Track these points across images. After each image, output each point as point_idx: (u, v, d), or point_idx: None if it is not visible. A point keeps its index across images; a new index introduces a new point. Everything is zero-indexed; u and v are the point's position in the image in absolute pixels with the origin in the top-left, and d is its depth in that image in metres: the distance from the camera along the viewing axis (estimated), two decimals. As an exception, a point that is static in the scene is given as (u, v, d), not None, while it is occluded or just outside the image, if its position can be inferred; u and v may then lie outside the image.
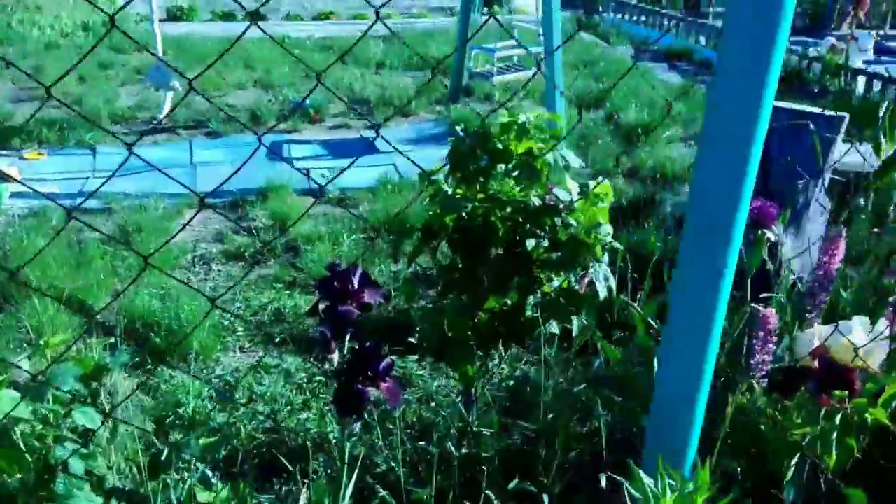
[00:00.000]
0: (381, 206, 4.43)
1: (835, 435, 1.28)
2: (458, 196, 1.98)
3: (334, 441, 2.52)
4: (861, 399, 1.30)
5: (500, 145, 1.98)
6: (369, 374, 1.62)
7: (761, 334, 1.91)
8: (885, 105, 3.02)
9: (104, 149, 5.39)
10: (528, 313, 2.10)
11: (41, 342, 1.53)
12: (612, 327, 2.74)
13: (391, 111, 6.35)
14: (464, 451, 2.30)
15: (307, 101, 6.23)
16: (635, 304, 2.87)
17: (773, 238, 2.55)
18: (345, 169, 1.73)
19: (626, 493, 1.07)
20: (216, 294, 3.55)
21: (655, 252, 3.63)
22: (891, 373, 1.25)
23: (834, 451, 1.29)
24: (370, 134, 5.98)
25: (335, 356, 1.68)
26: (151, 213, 4.23)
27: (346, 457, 1.72)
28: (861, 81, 6.60)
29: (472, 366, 2.18)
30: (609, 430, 2.22)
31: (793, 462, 1.43)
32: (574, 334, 2.06)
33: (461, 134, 2.01)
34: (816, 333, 1.55)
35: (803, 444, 1.38)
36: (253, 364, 3.03)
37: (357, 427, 1.67)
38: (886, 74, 6.31)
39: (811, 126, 2.88)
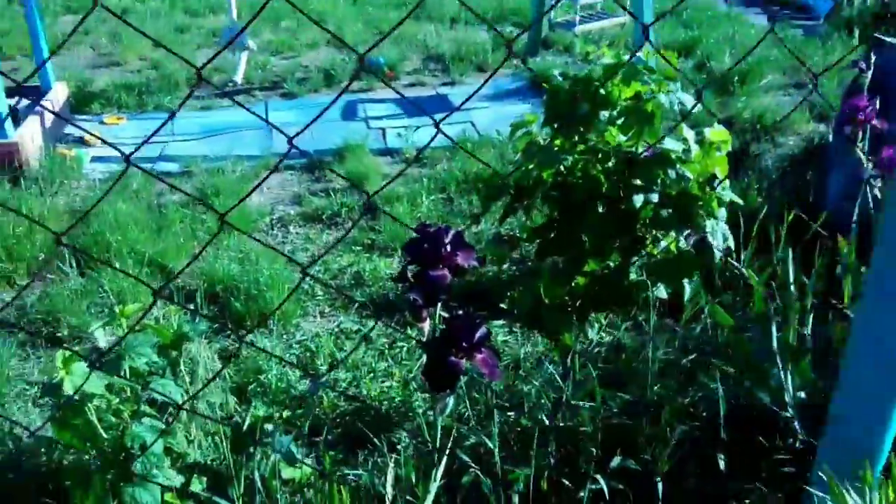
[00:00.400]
0: (459, 165, 4.25)
1: None
2: (555, 148, 1.79)
3: (420, 411, 2.40)
4: None
5: (602, 90, 1.77)
6: (464, 344, 1.46)
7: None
8: None
9: (182, 112, 5.37)
10: (633, 276, 1.90)
11: (116, 310, 1.43)
12: (721, 291, 2.52)
13: (467, 66, 6.13)
14: (559, 424, 2.14)
15: (382, 60, 6.07)
16: (740, 266, 2.63)
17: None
18: (435, 136, 1.55)
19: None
20: (294, 256, 3.47)
21: (757, 208, 3.35)
22: None
23: None
24: (446, 90, 5.79)
25: (426, 325, 1.53)
26: (229, 176, 4.17)
27: (438, 434, 1.58)
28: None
29: (570, 333, 2.01)
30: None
31: None
32: (686, 298, 1.86)
33: (559, 79, 1.81)
34: None
35: None
36: (333, 330, 2.93)
37: (450, 402, 1.52)
38: None
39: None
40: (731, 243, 1.79)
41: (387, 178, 4.23)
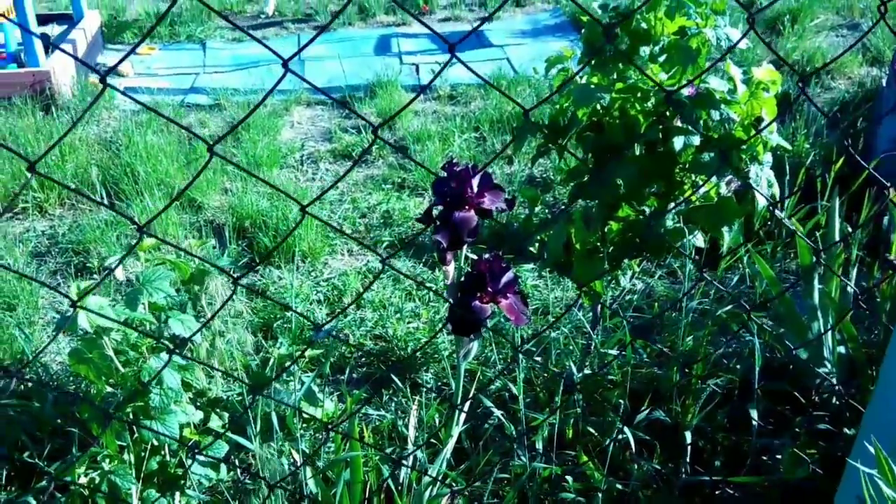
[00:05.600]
0: (493, 103, 4.14)
1: None
2: (592, 86, 1.70)
3: (446, 353, 2.37)
4: None
5: (644, 25, 1.67)
6: (489, 288, 1.41)
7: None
8: None
9: (213, 44, 5.30)
10: (669, 223, 1.82)
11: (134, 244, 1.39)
12: (762, 240, 2.43)
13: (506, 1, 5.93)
14: (587, 371, 2.10)
15: (417, -8, 5.90)
16: (782, 216, 2.52)
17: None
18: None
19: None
20: (325, 196, 3.42)
21: (804, 155, 3.21)
22: None
23: None
24: (482, 25, 5.62)
25: (451, 268, 1.48)
26: (259, 110, 4.11)
27: (461, 379, 1.54)
28: None
29: (601, 281, 1.94)
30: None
31: None
32: (725, 248, 1.78)
33: (598, 12, 1.70)
34: None
35: None
36: (360, 269, 2.90)
37: (474, 347, 1.48)
38: None
39: None
40: (776, 191, 1.70)
41: (418, 116, 4.15)
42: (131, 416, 1.31)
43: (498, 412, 1.95)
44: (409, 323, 2.59)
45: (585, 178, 1.81)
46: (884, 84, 3.46)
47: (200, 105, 4.32)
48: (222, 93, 4.36)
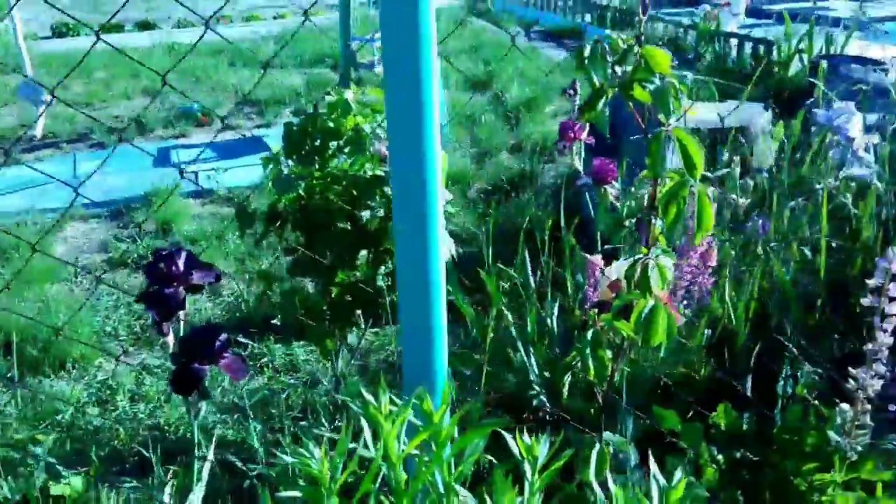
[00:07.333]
0: (267, 201, 4.43)
1: (588, 350, 1.42)
2: (293, 176, 2.04)
3: (209, 428, 2.55)
4: (607, 315, 1.43)
5: (331, 124, 2.05)
6: (206, 352, 1.67)
7: (591, 279, 2.06)
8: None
9: (-17, 170, 5.23)
10: (380, 283, 2.17)
11: None
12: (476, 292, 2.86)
13: (281, 108, 6.35)
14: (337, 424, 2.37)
15: (195, 106, 6.17)
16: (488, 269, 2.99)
17: (614, 193, 2.70)
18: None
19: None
20: (99, 303, 3.52)
21: (533, 221, 3.77)
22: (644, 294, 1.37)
23: (591, 365, 1.42)
24: (262, 132, 5.97)
25: (170, 338, 1.72)
26: (30, 228, 4.15)
27: (196, 435, 1.76)
28: (734, 44, 6.90)
29: (332, 339, 2.25)
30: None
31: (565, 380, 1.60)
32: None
33: (290, 117, 2.07)
34: (614, 269, 1.68)
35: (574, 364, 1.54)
36: (134, 367, 3.03)
37: (202, 406, 1.71)
38: (761, 36, 6.62)
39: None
40: (453, 250, 2.10)
41: (197, 218, 4.36)
42: None
43: (243, 466, 2.17)
44: (180, 408, 2.75)
45: (302, 254, 2.14)
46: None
47: (-33, 230, 4.27)
48: (-10, 216, 4.35)
